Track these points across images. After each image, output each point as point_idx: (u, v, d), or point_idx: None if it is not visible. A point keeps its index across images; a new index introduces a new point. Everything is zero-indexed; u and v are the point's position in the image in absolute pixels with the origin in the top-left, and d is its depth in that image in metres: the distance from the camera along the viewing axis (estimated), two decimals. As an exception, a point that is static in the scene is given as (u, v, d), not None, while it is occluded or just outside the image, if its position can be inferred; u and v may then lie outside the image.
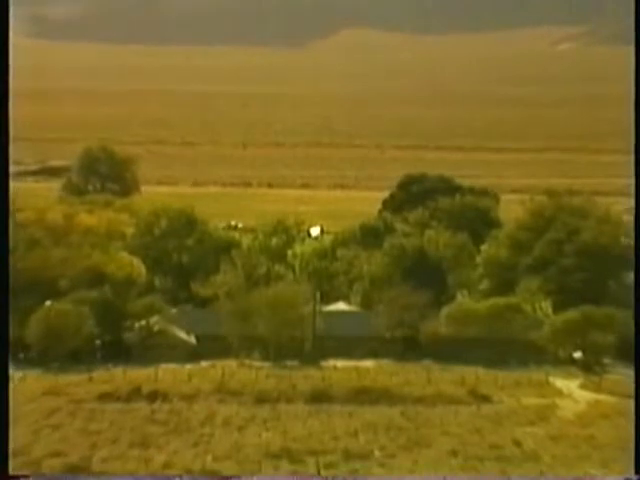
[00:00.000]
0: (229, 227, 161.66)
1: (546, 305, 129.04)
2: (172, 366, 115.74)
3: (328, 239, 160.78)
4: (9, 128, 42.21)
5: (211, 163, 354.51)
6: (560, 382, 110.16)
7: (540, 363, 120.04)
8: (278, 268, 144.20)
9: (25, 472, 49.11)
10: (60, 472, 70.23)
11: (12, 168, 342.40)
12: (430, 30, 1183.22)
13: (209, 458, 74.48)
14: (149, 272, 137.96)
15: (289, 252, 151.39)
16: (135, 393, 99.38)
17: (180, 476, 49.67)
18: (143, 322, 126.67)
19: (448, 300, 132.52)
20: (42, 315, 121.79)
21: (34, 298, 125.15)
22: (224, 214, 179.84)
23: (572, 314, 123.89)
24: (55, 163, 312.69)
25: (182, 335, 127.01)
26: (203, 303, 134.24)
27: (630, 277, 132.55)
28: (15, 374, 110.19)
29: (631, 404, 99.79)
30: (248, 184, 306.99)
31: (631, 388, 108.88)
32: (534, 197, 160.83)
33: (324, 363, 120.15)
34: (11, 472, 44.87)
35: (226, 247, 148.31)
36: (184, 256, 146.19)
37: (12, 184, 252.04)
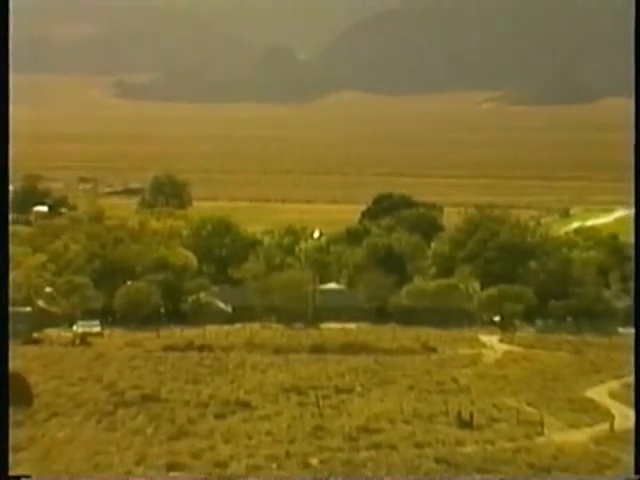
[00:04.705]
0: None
1: (475, 285, 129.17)
2: (215, 327, 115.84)
3: (324, 239, 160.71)
4: (8, 131, 40.43)
5: (242, 185, 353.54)
6: (485, 338, 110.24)
7: (471, 325, 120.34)
8: (289, 259, 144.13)
9: (26, 472, 46.44)
10: (136, 402, 69.84)
11: (104, 189, 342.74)
12: (395, 93, 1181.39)
13: (241, 392, 74.26)
14: (199, 261, 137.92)
15: (296, 248, 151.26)
16: (189, 346, 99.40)
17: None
18: (194, 296, 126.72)
19: (407, 281, 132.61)
20: (124, 291, 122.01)
21: (119, 279, 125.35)
22: (251, 221, 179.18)
23: (493, 291, 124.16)
24: (134, 186, 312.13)
25: (222, 306, 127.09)
26: (236, 283, 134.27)
27: (533, 264, 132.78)
28: (105, 332, 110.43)
29: (534, 353, 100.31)
30: (268, 200, 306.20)
31: (533, 341, 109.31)
32: (467, 209, 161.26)
33: (321, 325, 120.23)
34: (11, 473, 41.25)
35: (252, 244, 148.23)
36: (223, 250, 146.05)
37: (104, 200, 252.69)
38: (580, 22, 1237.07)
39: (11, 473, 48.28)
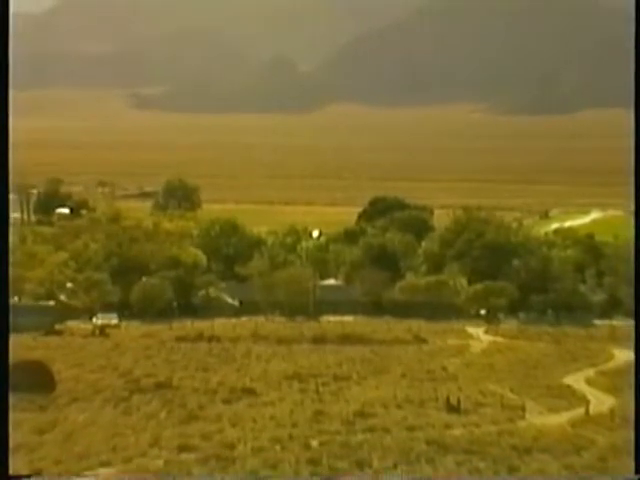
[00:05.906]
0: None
1: (463, 281, 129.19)
2: (223, 320, 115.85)
3: (324, 238, 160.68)
4: (8, 134, 40.42)
5: (247, 189, 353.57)
6: (471, 329, 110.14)
7: (459, 318, 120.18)
8: (291, 257, 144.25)
9: (26, 472, 44.23)
10: (150, 388, 69.92)
11: (121, 192, 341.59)
12: (390, 104, 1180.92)
13: (247, 379, 74.36)
14: (208, 259, 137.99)
15: (298, 247, 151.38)
16: (199, 337, 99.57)
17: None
18: (204, 291, 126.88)
19: (400, 278, 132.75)
20: (140, 286, 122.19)
21: (135, 275, 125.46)
22: (256, 223, 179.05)
23: (479, 286, 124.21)
24: (148, 189, 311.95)
25: (229, 300, 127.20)
26: (243, 279, 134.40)
27: (516, 262, 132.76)
28: (122, 324, 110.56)
29: (516, 343, 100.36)
30: (271, 202, 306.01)
31: (516, 332, 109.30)
32: (455, 211, 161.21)
33: (321, 318, 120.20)
34: (11, 472, 38.82)
35: (257, 243, 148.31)
36: (230, 249, 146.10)
37: (120, 203, 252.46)
38: (561, 39, 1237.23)
39: (34, 455, 48.58)
